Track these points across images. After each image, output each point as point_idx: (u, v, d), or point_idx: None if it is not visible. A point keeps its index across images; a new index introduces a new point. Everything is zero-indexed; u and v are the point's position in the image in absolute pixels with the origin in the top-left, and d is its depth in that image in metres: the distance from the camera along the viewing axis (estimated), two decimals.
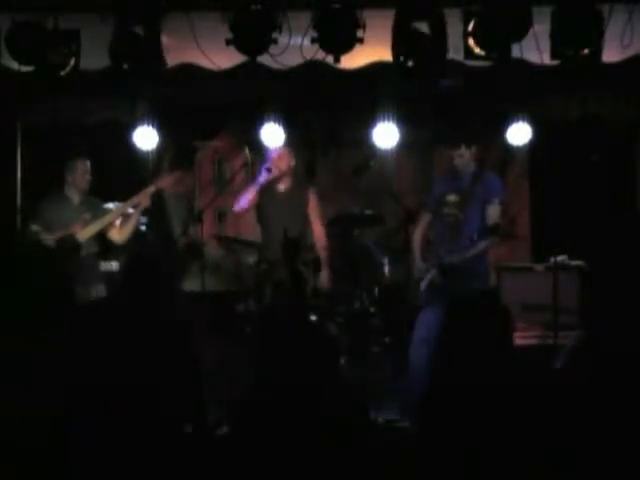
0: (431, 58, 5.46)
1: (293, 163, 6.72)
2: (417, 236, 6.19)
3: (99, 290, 6.37)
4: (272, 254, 6.45)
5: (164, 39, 5.68)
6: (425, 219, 6.22)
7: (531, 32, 5.35)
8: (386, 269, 7.17)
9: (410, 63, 5.45)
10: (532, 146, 7.26)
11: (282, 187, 6.69)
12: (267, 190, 6.68)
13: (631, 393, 2.27)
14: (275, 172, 6.61)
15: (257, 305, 6.55)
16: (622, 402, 2.24)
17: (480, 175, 5.92)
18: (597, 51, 5.42)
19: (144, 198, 6.49)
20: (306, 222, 6.65)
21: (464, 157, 5.89)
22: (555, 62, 5.51)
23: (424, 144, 7.89)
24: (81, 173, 6.41)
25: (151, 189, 6.57)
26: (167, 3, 5.69)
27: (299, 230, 6.50)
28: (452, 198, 5.93)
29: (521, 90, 6.77)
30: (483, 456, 2.25)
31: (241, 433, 2.28)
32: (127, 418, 1.97)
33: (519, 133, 6.85)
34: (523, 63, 5.61)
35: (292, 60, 5.61)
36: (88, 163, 6.47)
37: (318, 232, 6.66)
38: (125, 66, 5.54)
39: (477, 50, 5.48)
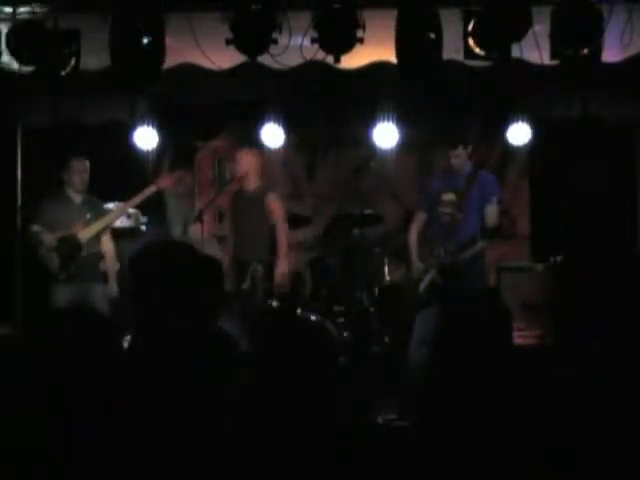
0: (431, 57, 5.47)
1: (256, 164, 6.65)
2: (412, 236, 6.20)
3: (99, 290, 6.37)
4: (242, 254, 6.48)
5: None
6: (419, 218, 6.22)
7: (531, 32, 5.35)
8: (386, 269, 7.17)
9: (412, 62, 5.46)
10: (532, 146, 7.27)
11: (249, 188, 6.65)
12: (238, 190, 6.70)
13: (631, 394, 2.27)
14: (239, 174, 6.61)
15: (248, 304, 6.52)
16: (623, 403, 2.25)
17: (476, 174, 5.94)
18: (597, 51, 5.42)
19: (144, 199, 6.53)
20: (271, 224, 6.57)
21: (460, 157, 5.90)
22: (555, 62, 5.51)
23: (424, 144, 7.88)
24: (78, 172, 6.40)
25: (151, 189, 6.57)
26: (167, 3, 5.69)
27: (263, 232, 6.51)
28: (448, 197, 5.94)
29: (521, 90, 6.77)
30: (483, 456, 2.25)
31: (240, 432, 2.27)
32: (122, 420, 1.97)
33: (519, 133, 6.85)
34: (523, 63, 5.61)
35: (292, 60, 5.61)
36: (86, 163, 6.47)
37: (281, 239, 6.50)
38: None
39: (477, 50, 5.48)
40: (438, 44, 5.41)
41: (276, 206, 6.56)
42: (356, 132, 7.51)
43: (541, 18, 5.39)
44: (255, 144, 7.02)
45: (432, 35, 5.38)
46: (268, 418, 2.40)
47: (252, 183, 6.63)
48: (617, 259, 6.96)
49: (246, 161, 6.62)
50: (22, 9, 5.53)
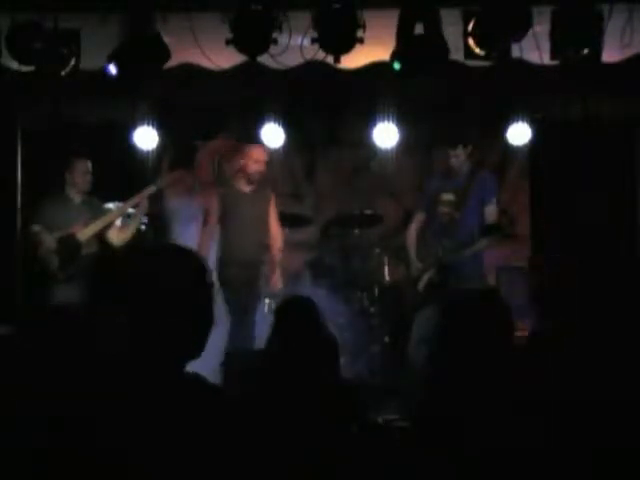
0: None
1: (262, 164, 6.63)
2: (410, 235, 6.21)
3: None
4: (239, 255, 6.44)
5: (164, 39, 5.68)
6: (418, 218, 6.24)
7: (531, 32, 5.35)
8: (386, 269, 7.18)
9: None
10: (532, 146, 7.26)
11: (248, 188, 6.63)
12: (231, 190, 6.66)
13: (630, 395, 2.27)
14: (252, 173, 6.58)
15: None
16: (623, 404, 2.25)
17: (476, 174, 5.96)
18: (597, 51, 5.42)
19: (144, 199, 6.51)
20: (267, 223, 6.62)
21: (459, 157, 5.92)
22: (555, 62, 5.51)
23: (424, 144, 7.88)
24: (81, 173, 6.42)
25: (151, 189, 6.57)
26: (168, 3, 5.69)
27: (263, 231, 6.52)
28: (447, 197, 5.96)
29: (521, 90, 6.77)
30: (482, 456, 2.25)
31: (240, 432, 2.27)
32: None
33: (519, 133, 6.85)
34: (523, 63, 5.62)
35: (292, 60, 5.61)
36: (88, 163, 6.48)
37: (275, 234, 6.63)
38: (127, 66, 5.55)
39: (477, 50, 5.48)
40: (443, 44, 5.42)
41: (273, 205, 6.71)
42: (356, 132, 7.51)
43: (541, 18, 5.39)
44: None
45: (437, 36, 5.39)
46: (269, 417, 2.40)
47: (252, 182, 6.63)
48: (617, 259, 6.97)
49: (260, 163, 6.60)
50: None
